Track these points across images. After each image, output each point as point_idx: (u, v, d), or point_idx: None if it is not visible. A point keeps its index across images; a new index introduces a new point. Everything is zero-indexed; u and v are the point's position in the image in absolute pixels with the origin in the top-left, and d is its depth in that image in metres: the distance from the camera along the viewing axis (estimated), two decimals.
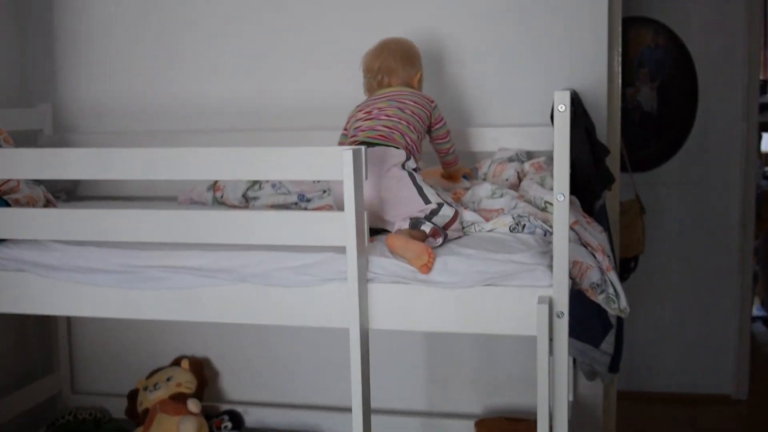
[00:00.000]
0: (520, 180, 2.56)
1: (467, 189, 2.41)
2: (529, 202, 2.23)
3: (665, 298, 4.14)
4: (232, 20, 3.06)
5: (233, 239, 1.92)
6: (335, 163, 1.79)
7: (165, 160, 1.91)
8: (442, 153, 2.51)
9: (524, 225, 2.04)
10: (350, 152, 1.77)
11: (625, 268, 3.54)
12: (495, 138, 2.80)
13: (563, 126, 1.69)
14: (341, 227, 1.81)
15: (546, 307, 1.72)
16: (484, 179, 2.61)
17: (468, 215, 2.13)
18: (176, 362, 3.06)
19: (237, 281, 1.94)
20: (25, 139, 3.17)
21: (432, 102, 2.38)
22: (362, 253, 1.84)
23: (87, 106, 3.25)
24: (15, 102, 3.20)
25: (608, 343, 2.39)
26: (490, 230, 2.08)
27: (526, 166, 2.60)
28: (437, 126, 2.41)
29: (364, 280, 1.85)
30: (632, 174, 3.63)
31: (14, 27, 3.20)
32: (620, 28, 2.87)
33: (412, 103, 2.30)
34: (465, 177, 2.62)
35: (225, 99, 3.05)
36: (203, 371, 3.05)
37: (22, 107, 3.18)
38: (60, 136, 3.19)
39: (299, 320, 1.96)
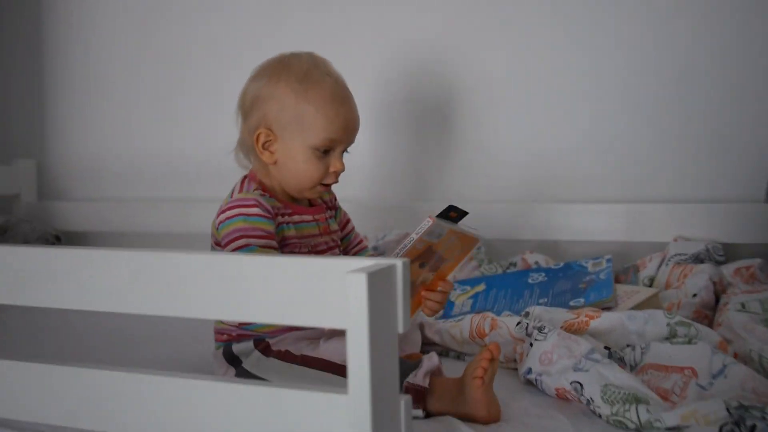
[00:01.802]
0: (717, 298, 1.43)
1: (593, 313, 1.31)
2: (747, 358, 1.12)
3: None
4: (239, 74, 2.11)
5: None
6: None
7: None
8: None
9: (753, 428, 0.92)
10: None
11: None
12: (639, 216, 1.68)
13: None
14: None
15: None
16: (649, 285, 1.51)
17: (617, 375, 1.05)
18: None
19: None
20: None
21: None
22: None
23: (78, 166, 2.40)
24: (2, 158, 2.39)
25: None
26: (674, 429, 0.97)
27: (727, 272, 1.47)
28: None
29: None
30: None
31: None
32: None
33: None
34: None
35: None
36: None
37: (1, 165, 2.35)
38: (43, 204, 2.34)
39: None
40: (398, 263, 0.83)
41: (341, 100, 1.31)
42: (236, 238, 1.22)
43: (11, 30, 2.43)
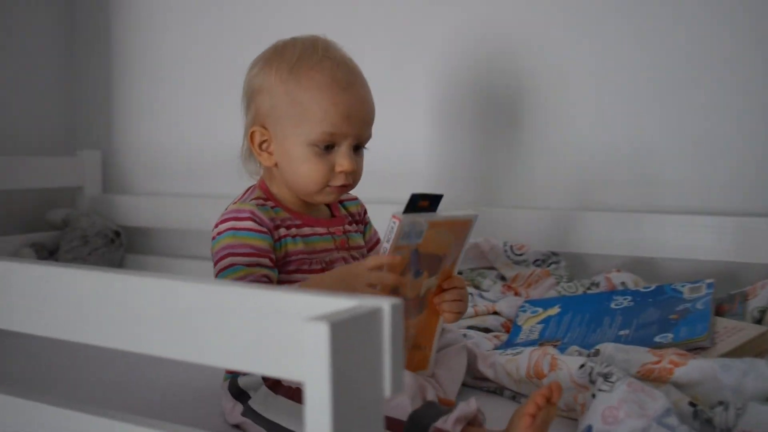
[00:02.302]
0: None
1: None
2: None
3: None
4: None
5: None
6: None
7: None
8: None
9: None
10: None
11: None
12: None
13: None
14: None
15: None
16: (759, 320, 1.24)
17: None
18: None
19: None
20: (62, 199, 2.27)
21: None
22: None
23: (145, 158, 2.29)
24: (59, 149, 2.32)
25: None
26: None
27: None
28: None
29: None
30: None
31: (64, 57, 2.33)
32: None
33: None
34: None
35: None
36: None
37: (64, 156, 2.27)
38: (107, 197, 2.25)
39: None
40: (385, 306, 0.63)
41: (342, 85, 1.10)
42: (223, 257, 1.07)
43: (81, 17, 2.36)
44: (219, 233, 1.08)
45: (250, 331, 0.64)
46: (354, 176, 1.14)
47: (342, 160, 1.12)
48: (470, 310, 1.47)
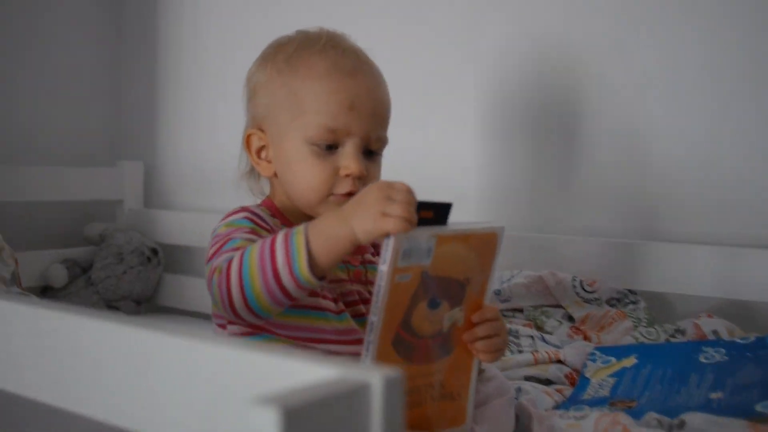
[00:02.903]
0: None
1: None
2: None
3: None
4: None
5: None
6: None
7: None
8: None
9: None
10: None
11: None
12: None
13: None
14: None
15: None
16: None
17: None
18: None
19: None
20: (101, 213, 2.15)
21: None
22: None
23: (189, 171, 2.15)
24: (101, 160, 2.20)
25: None
26: None
27: None
28: None
29: None
30: None
31: (109, 64, 2.23)
32: None
33: None
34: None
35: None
36: None
37: (105, 167, 2.15)
38: (148, 212, 2.11)
39: None
40: (375, 380, 0.43)
41: (345, 71, 0.94)
42: (215, 248, 0.89)
43: (127, 23, 2.24)
44: (211, 245, 0.92)
45: (182, 403, 0.46)
46: (365, 183, 0.94)
47: (347, 161, 0.93)
48: (529, 357, 1.26)
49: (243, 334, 0.94)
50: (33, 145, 2.07)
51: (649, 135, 1.48)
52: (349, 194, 0.93)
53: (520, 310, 1.45)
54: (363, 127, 0.94)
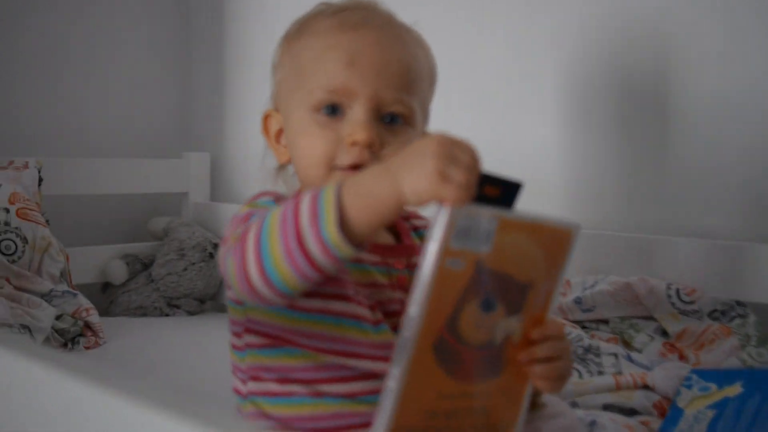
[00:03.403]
0: None
1: None
2: None
3: None
4: (460, 60, 1.59)
5: None
6: None
7: None
8: None
9: None
10: None
11: None
12: None
13: None
14: None
15: None
16: None
17: None
18: None
19: None
20: (167, 206, 2.06)
21: None
22: None
23: (257, 163, 2.02)
24: (169, 151, 2.12)
25: None
26: None
27: None
28: None
29: None
30: None
31: (177, 53, 2.14)
32: None
33: None
34: None
35: None
36: None
37: (170, 158, 2.06)
38: (215, 205, 2.01)
39: None
40: None
41: (348, 25, 0.79)
42: (232, 228, 0.76)
43: (194, 12, 2.15)
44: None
45: None
46: (382, 156, 0.78)
47: (355, 127, 0.78)
48: (610, 381, 1.06)
49: (261, 346, 0.80)
50: (100, 137, 2.01)
51: (763, 121, 1.25)
52: (354, 167, 0.78)
53: (605, 322, 1.26)
54: (368, 86, 0.78)
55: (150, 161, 1.99)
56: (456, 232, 0.60)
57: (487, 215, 0.62)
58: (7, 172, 1.58)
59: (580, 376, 1.11)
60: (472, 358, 0.67)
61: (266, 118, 0.88)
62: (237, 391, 0.84)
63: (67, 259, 1.62)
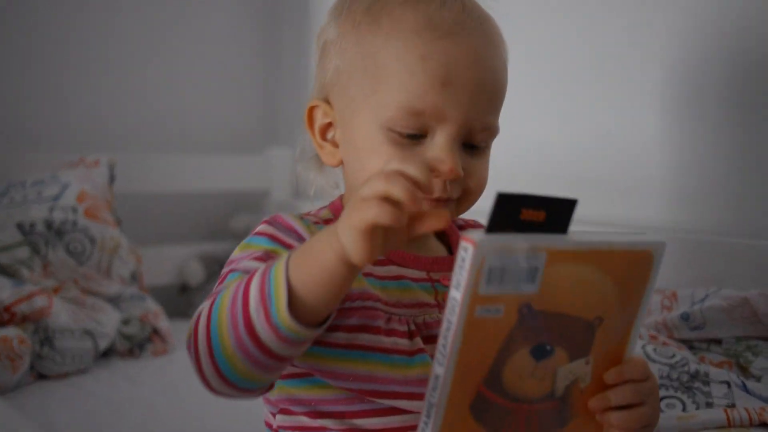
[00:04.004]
0: None
1: None
2: None
3: None
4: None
5: None
6: None
7: None
8: None
9: None
10: None
11: None
12: None
13: None
14: None
15: None
16: None
17: None
18: None
19: None
20: (249, 204, 2.00)
21: None
22: None
23: None
24: (252, 146, 2.05)
25: None
26: None
27: None
28: None
29: None
30: None
31: (261, 48, 2.08)
32: None
33: None
34: None
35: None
36: None
37: (251, 155, 2.00)
38: (297, 203, 1.93)
39: None
40: None
41: (441, 29, 0.66)
42: (222, 277, 0.68)
43: (280, 6, 2.08)
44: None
45: None
46: (466, 186, 0.68)
47: (443, 155, 0.66)
48: (720, 416, 0.89)
49: (289, 377, 0.69)
50: (176, 132, 1.96)
51: None
52: (440, 201, 0.67)
53: (717, 342, 1.08)
54: (460, 111, 0.66)
55: (230, 157, 1.93)
56: (486, 274, 0.48)
57: (525, 248, 0.49)
58: (77, 170, 1.54)
59: (684, 408, 0.95)
60: (526, 412, 0.55)
61: (311, 109, 0.76)
62: (268, 425, 0.74)
63: (139, 260, 1.57)
